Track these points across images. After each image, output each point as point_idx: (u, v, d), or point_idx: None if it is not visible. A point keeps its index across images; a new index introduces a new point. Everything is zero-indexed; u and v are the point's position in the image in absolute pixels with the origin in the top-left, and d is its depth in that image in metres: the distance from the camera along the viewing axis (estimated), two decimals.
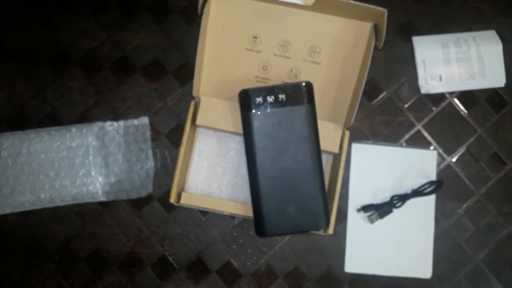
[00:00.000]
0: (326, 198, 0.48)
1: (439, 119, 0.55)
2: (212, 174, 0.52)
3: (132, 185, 0.52)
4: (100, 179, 0.52)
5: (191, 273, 0.52)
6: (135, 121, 0.53)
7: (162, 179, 0.53)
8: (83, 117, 0.54)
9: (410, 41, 0.55)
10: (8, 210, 0.52)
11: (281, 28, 0.52)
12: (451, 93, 0.55)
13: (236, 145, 0.53)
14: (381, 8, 0.46)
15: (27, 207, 0.52)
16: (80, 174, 0.52)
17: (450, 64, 0.55)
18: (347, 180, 0.53)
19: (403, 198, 0.51)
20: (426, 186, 0.52)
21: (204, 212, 0.53)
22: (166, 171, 0.53)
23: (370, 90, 0.55)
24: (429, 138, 0.54)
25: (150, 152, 0.53)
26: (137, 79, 0.54)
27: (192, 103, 0.50)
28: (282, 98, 0.47)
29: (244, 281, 0.52)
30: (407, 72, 0.55)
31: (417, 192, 0.51)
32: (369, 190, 0.53)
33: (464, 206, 0.53)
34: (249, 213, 0.48)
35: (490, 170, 0.54)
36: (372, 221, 0.52)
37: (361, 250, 0.52)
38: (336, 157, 0.51)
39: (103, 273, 0.52)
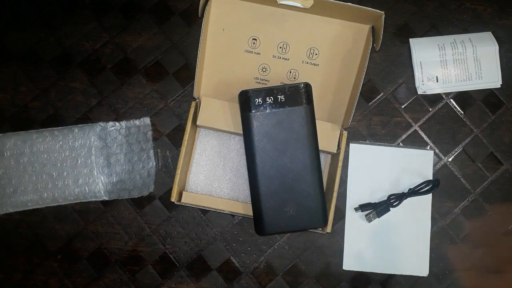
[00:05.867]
0: (324, 197, 0.48)
1: (436, 120, 0.55)
2: (213, 174, 0.53)
3: (134, 184, 0.53)
4: (102, 178, 0.52)
5: (192, 270, 0.52)
6: (137, 122, 0.54)
7: (163, 179, 0.53)
8: (86, 118, 0.54)
9: (407, 43, 0.56)
10: (11, 209, 0.52)
11: (280, 30, 0.52)
12: (447, 94, 0.55)
13: (236, 145, 0.53)
14: (378, 11, 0.46)
15: (30, 206, 0.52)
16: (83, 173, 0.52)
17: (447, 65, 0.55)
18: (345, 180, 0.54)
19: (400, 197, 0.52)
20: (423, 185, 0.52)
21: (204, 211, 0.53)
22: (167, 170, 0.54)
23: (368, 91, 0.55)
24: (425, 138, 0.55)
25: (151, 152, 0.53)
26: (139, 80, 0.55)
27: (193, 104, 0.50)
28: (281, 99, 0.47)
29: (244, 279, 0.52)
30: (404, 73, 0.56)
31: (414, 192, 0.52)
32: (367, 189, 0.53)
33: (461, 205, 0.54)
34: (249, 212, 0.49)
35: (486, 170, 0.54)
36: (369, 220, 0.52)
37: (359, 248, 0.53)
38: (334, 157, 0.51)
39: (105, 271, 0.52)
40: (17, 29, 0.56)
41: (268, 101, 0.47)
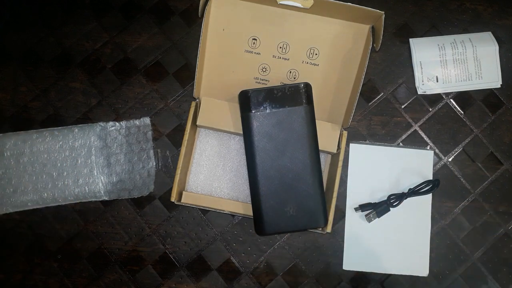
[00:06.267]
0: (324, 197, 0.48)
1: (436, 120, 0.55)
2: (213, 174, 0.53)
3: (133, 184, 0.53)
4: (102, 178, 0.52)
5: (192, 270, 0.52)
6: (137, 122, 0.54)
7: (163, 179, 0.54)
8: (86, 118, 0.54)
9: (407, 43, 0.56)
10: (11, 209, 0.52)
11: (280, 30, 0.52)
12: (447, 94, 0.55)
13: (236, 145, 0.53)
14: (378, 11, 0.46)
15: (30, 206, 0.52)
16: (83, 173, 0.52)
17: (447, 65, 0.55)
18: (345, 180, 0.54)
19: (400, 197, 0.52)
20: (423, 185, 0.52)
21: (204, 211, 0.53)
22: (167, 170, 0.54)
23: (368, 91, 0.55)
24: (425, 138, 0.55)
25: (151, 152, 0.53)
26: (139, 80, 0.55)
27: (193, 104, 0.50)
28: (281, 99, 0.47)
29: (244, 279, 0.52)
30: (404, 73, 0.56)
31: (414, 191, 0.52)
32: (367, 189, 0.53)
33: (461, 205, 0.54)
34: (249, 212, 0.49)
35: (486, 169, 0.54)
36: (369, 220, 0.52)
37: (359, 248, 0.53)
38: (334, 157, 0.51)
39: (105, 271, 0.52)
40: (17, 29, 0.56)
41: (268, 101, 0.47)
